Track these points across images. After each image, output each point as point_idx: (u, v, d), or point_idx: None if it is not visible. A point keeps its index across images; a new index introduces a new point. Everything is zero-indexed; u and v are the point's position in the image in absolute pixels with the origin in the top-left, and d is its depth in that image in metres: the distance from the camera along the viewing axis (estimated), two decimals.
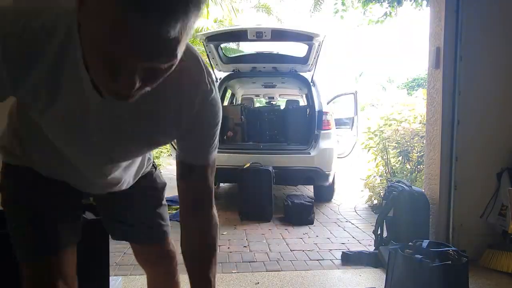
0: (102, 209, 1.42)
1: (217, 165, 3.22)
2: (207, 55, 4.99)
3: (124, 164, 1.11)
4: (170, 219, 4.71)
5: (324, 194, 5.17)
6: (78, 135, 0.90)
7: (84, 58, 0.72)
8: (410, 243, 2.35)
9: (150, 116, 0.88)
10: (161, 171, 5.32)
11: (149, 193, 1.38)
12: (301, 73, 5.22)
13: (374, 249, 3.11)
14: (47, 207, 1.09)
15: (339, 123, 5.58)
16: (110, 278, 2.20)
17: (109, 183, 1.15)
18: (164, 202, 1.46)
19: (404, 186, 3.00)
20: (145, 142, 0.98)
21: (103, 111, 0.83)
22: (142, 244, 1.42)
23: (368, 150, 4.86)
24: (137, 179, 1.30)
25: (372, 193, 4.81)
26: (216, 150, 1.10)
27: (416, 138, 4.41)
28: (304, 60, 5.06)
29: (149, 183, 1.38)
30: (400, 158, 4.57)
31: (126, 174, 1.19)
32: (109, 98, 0.72)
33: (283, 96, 8.64)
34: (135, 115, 0.86)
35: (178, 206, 4.23)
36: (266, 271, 2.85)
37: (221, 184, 6.26)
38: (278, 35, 4.53)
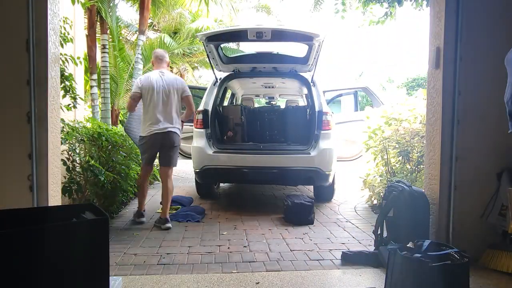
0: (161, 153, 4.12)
1: (217, 165, 4.02)
2: (207, 55, 4.99)
3: (167, 108, 4.05)
4: (170, 219, 4.71)
5: (324, 194, 5.17)
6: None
7: None
8: (410, 243, 2.35)
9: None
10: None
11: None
12: (301, 73, 5.22)
13: (374, 249, 3.11)
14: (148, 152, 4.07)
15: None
16: (110, 278, 2.20)
17: (164, 117, 4.02)
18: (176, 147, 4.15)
19: (404, 186, 2.99)
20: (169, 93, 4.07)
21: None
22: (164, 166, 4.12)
23: (367, 150, 4.86)
24: (171, 128, 4.04)
25: (372, 193, 4.81)
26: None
27: (416, 138, 4.41)
28: (304, 60, 5.06)
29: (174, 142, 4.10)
30: (400, 158, 4.57)
31: (167, 116, 4.03)
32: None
33: (283, 96, 8.64)
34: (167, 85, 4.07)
35: (178, 206, 4.29)
36: (266, 271, 2.85)
37: (221, 184, 6.26)
38: (278, 35, 4.53)
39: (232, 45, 12.87)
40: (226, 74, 5.34)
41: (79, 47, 6.38)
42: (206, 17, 13.11)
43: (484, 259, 2.88)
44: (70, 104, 3.90)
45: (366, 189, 4.93)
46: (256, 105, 8.33)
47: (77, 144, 4.04)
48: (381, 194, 4.13)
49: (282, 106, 7.53)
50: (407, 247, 2.30)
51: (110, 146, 4.37)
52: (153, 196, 5.45)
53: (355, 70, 27.85)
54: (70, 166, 3.78)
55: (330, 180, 4.72)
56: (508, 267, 2.74)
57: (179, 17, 13.54)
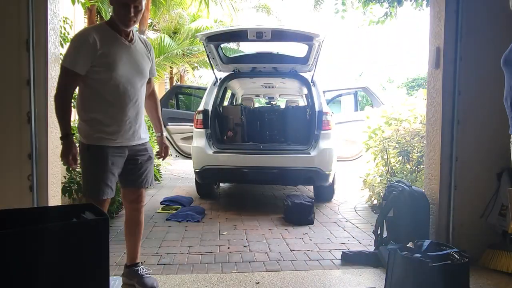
0: (125, 173, 2.39)
1: (217, 165, 4.66)
2: (207, 55, 4.99)
3: (139, 95, 2.33)
4: (169, 219, 4.69)
5: (324, 194, 5.16)
6: (125, 63, 2.24)
7: (113, 26, 2.26)
8: (409, 243, 2.35)
9: (142, 54, 2.36)
10: (161, 171, 5.24)
11: (149, 163, 2.48)
12: (301, 73, 5.22)
13: (374, 249, 3.11)
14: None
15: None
16: (110, 278, 2.20)
17: (134, 116, 2.30)
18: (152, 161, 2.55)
19: (404, 186, 2.99)
20: (141, 66, 2.34)
21: (130, 49, 2.29)
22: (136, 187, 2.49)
23: (367, 150, 4.86)
24: (142, 138, 2.41)
25: (372, 193, 4.81)
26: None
27: (416, 138, 4.41)
28: (304, 60, 5.06)
29: (149, 155, 2.47)
30: (400, 158, 4.57)
31: (139, 115, 2.35)
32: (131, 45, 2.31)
33: (283, 96, 8.64)
34: (139, 52, 2.34)
35: (178, 206, 4.29)
36: (266, 271, 2.85)
37: (221, 184, 6.26)
38: (278, 35, 4.53)
39: (232, 45, 12.87)
40: (226, 74, 5.34)
41: None
42: (206, 18, 13.11)
43: (484, 259, 2.88)
44: None
45: (366, 189, 4.93)
46: (256, 105, 8.34)
47: (77, 144, 4.04)
48: (381, 194, 4.13)
49: (282, 106, 7.53)
50: (407, 247, 2.30)
51: None
52: (153, 196, 5.45)
53: (355, 70, 27.85)
54: None
55: (330, 180, 4.72)
56: (508, 267, 2.74)
57: (179, 17, 13.54)
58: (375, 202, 4.77)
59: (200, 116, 4.82)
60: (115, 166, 2.27)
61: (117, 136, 2.25)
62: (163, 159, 2.76)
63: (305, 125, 5.16)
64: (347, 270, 2.90)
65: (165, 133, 2.72)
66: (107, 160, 2.21)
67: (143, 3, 2.24)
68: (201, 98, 5.23)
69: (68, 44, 2.46)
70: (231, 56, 5.96)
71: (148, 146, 2.48)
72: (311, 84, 5.02)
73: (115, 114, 2.24)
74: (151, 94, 2.57)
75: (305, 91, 5.85)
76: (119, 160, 2.29)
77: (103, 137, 2.23)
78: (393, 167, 4.62)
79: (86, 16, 8.75)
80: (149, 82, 2.51)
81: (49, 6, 2.67)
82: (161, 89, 16.13)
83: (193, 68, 16.40)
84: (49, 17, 2.66)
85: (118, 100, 2.24)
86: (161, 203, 4.84)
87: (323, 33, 4.37)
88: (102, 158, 2.20)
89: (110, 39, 2.21)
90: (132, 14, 2.17)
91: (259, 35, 4.43)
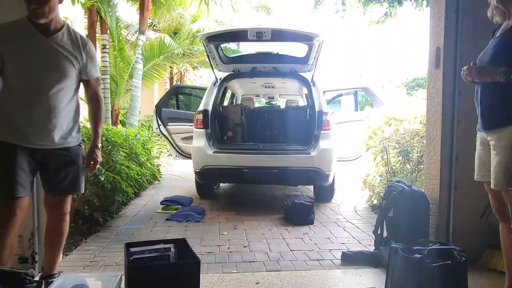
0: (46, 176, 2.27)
1: (217, 165, 4.37)
2: (207, 55, 4.99)
3: (52, 93, 2.13)
4: (169, 219, 4.66)
5: (324, 194, 5.17)
6: (33, 57, 2.09)
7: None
8: (410, 243, 2.35)
9: (63, 49, 2.17)
10: (161, 171, 5.23)
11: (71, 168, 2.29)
12: (301, 73, 5.22)
13: (374, 249, 3.11)
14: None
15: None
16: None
17: (45, 116, 2.12)
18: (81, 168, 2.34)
19: (404, 186, 2.99)
20: (56, 61, 2.15)
21: (44, 43, 2.12)
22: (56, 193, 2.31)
23: (367, 150, 4.86)
24: (61, 143, 2.21)
25: (372, 193, 4.81)
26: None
27: (416, 138, 4.41)
28: (304, 60, 5.06)
29: (73, 159, 2.29)
30: (400, 158, 4.57)
31: (54, 116, 2.14)
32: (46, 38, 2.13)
33: (283, 96, 8.64)
34: (59, 47, 2.15)
35: (178, 206, 4.27)
36: (266, 271, 2.85)
37: (221, 184, 6.26)
38: (278, 35, 4.53)
39: (232, 45, 12.87)
40: (226, 74, 5.34)
41: None
42: (206, 18, 13.12)
43: (484, 259, 2.88)
44: None
45: (366, 189, 4.93)
46: (256, 105, 8.34)
47: None
48: (381, 194, 4.13)
49: (282, 106, 7.53)
50: (407, 247, 2.30)
51: (110, 146, 4.37)
52: (153, 196, 5.46)
53: (355, 70, 27.83)
54: None
55: (330, 180, 4.72)
56: None
57: (179, 18, 13.55)
58: (375, 202, 4.77)
59: (200, 116, 4.82)
60: (25, 164, 2.12)
61: (25, 135, 2.11)
62: (88, 172, 2.48)
63: (305, 125, 5.16)
64: (347, 270, 2.90)
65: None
66: (16, 156, 2.07)
67: None
68: (201, 98, 5.23)
69: None
70: (231, 56, 5.96)
71: (72, 150, 2.28)
72: (311, 84, 5.02)
73: (23, 111, 2.09)
74: (91, 99, 2.37)
75: (305, 91, 5.85)
76: (27, 160, 2.13)
77: (10, 134, 2.09)
78: (393, 167, 4.62)
79: (86, 16, 8.75)
80: (88, 86, 2.32)
81: None
82: (161, 89, 16.12)
83: (193, 68, 16.41)
84: None
85: (25, 96, 2.10)
86: (161, 203, 4.84)
87: (323, 33, 4.37)
88: (10, 154, 2.05)
89: (22, 32, 2.10)
90: (35, 6, 2.00)
91: (259, 35, 4.43)
